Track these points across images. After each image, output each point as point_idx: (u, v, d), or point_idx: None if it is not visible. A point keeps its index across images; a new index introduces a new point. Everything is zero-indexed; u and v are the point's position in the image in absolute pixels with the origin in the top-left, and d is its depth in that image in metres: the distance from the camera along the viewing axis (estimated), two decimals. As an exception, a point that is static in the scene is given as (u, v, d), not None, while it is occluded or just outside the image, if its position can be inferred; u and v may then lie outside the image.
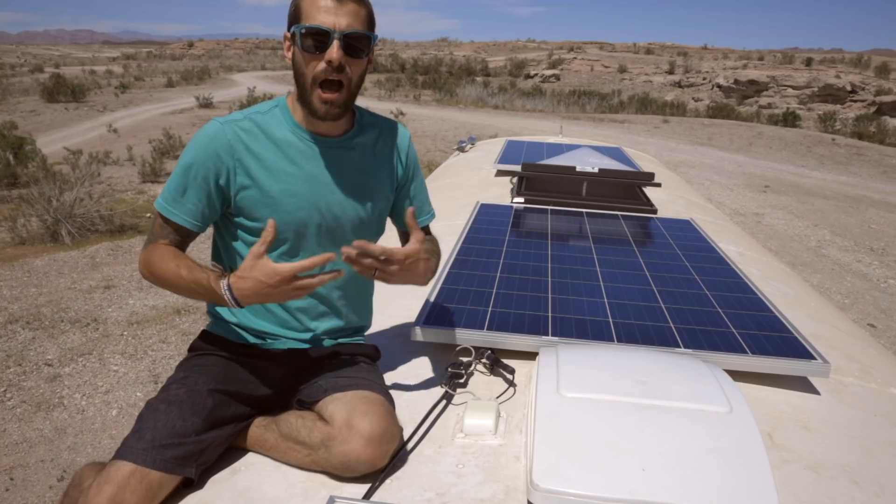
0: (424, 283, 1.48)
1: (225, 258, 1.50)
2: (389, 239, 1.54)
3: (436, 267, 1.53)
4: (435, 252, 1.61)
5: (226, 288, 1.25)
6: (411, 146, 1.61)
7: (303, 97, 1.39)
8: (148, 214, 8.11)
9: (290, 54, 1.40)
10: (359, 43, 1.35)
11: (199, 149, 1.38)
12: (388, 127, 1.57)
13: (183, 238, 1.43)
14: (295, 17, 1.36)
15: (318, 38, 1.32)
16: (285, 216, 1.41)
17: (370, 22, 1.38)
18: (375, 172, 1.52)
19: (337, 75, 1.34)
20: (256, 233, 1.42)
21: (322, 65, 1.33)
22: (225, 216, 1.46)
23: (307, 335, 1.51)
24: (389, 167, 1.56)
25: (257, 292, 1.23)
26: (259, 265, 1.21)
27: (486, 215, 2.92)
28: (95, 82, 28.54)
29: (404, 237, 1.66)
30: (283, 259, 1.45)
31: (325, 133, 1.45)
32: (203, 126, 1.41)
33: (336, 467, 1.24)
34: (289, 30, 1.39)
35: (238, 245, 1.46)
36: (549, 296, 1.97)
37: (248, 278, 1.22)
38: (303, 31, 1.32)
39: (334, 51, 1.31)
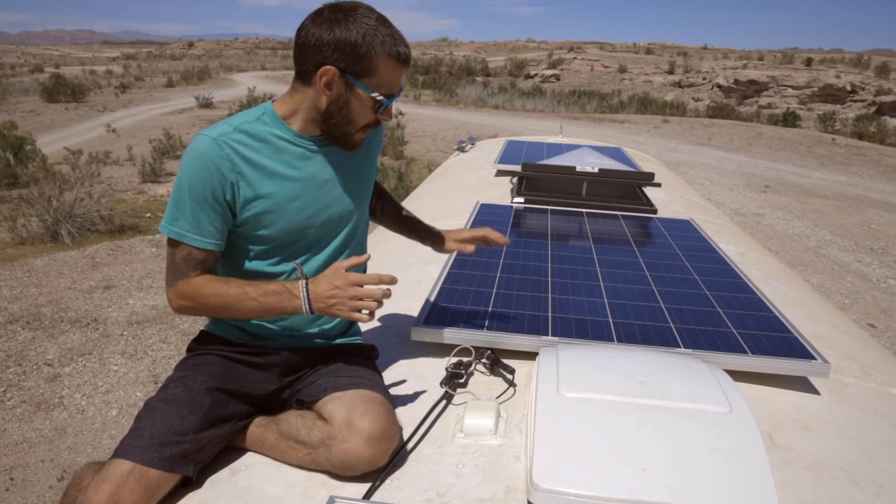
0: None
1: (226, 270, 1.45)
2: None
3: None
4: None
5: (303, 286, 1.32)
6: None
7: (336, 134, 1.41)
8: (148, 214, 8.11)
9: (332, 93, 1.35)
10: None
11: (196, 167, 1.31)
12: None
13: (210, 263, 1.38)
14: (363, 66, 1.32)
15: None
16: (290, 221, 1.40)
17: None
18: (364, 163, 1.55)
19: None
20: (261, 241, 1.41)
21: (375, 119, 1.41)
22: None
23: (303, 335, 1.51)
24: (374, 155, 1.60)
25: (328, 295, 1.31)
26: (334, 268, 1.33)
27: (487, 215, 2.92)
28: (95, 82, 28.55)
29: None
30: (284, 262, 1.44)
31: (317, 134, 1.44)
32: (192, 143, 1.34)
33: (336, 466, 1.24)
34: (342, 70, 1.32)
35: (241, 257, 1.43)
36: (549, 296, 1.97)
37: (321, 282, 1.32)
38: (389, 105, 1.39)
39: (391, 110, 1.42)
